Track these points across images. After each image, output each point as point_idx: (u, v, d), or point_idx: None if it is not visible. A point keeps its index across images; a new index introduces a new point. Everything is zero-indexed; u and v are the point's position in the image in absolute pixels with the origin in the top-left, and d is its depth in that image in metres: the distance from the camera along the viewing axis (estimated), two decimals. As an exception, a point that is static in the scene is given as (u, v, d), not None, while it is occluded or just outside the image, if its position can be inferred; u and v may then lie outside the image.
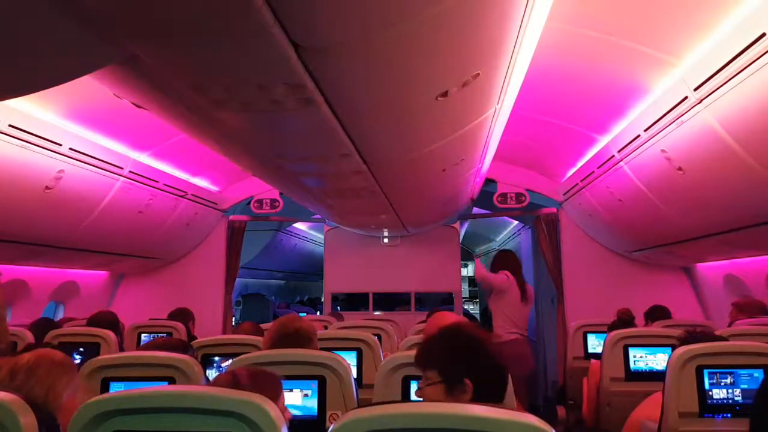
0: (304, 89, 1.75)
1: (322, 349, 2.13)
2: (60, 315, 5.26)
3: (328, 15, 1.37)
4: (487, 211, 7.22)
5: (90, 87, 3.01)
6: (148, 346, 2.19)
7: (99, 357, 1.98)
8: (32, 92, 2.27)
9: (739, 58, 2.23)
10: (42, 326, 3.44)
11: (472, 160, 3.59)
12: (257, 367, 1.54)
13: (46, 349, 1.59)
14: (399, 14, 1.43)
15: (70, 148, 3.48)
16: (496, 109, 2.68)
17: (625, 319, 3.72)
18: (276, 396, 1.40)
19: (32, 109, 3.19)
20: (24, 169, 3.24)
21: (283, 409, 1.44)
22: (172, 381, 1.79)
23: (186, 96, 1.83)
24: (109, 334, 3.12)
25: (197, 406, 1.00)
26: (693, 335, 2.19)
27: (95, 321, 3.47)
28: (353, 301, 7.57)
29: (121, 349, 3.24)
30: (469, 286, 14.15)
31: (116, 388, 1.85)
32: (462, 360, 1.37)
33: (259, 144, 2.62)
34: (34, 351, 1.55)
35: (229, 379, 1.40)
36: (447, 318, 2.62)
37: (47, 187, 3.47)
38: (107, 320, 3.49)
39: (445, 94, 2.03)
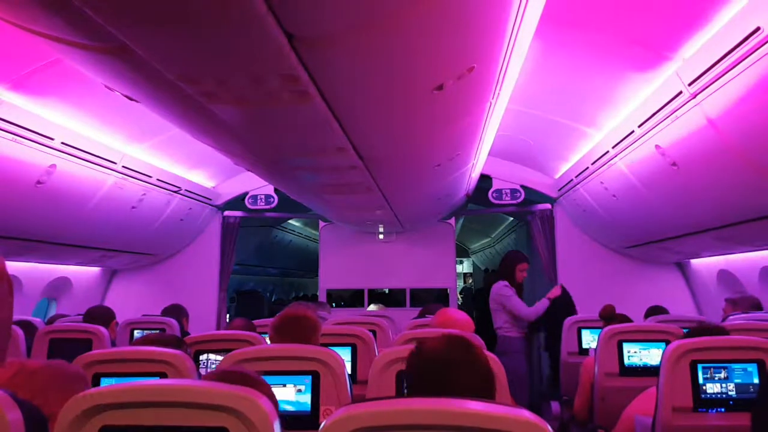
0: (298, 81, 1.73)
1: (317, 344, 2.13)
2: (52, 312, 5.21)
3: (322, 6, 1.35)
4: (483, 208, 7.22)
5: (84, 79, 2.97)
6: (140, 342, 2.17)
7: (90, 353, 1.95)
8: None
9: (733, 52, 2.23)
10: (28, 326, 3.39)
11: (467, 155, 3.58)
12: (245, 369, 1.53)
13: (60, 360, 1.56)
14: (394, 6, 1.42)
15: (62, 143, 3.44)
16: (491, 104, 2.67)
17: (606, 317, 3.61)
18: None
19: (24, 103, 3.15)
20: (15, 163, 3.20)
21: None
22: (164, 376, 1.77)
23: (178, 88, 1.80)
24: (101, 330, 3.09)
25: (188, 400, 0.98)
26: (702, 330, 2.17)
27: (91, 315, 3.43)
28: (349, 300, 7.55)
29: (113, 345, 3.21)
30: (464, 282, 14.17)
31: (107, 384, 1.83)
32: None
33: (253, 138, 2.59)
34: (47, 361, 1.53)
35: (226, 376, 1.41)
36: (452, 314, 2.60)
37: (39, 182, 3.43)
38: (103, 314, 3.46)
39: (440, 87, 2.01)
